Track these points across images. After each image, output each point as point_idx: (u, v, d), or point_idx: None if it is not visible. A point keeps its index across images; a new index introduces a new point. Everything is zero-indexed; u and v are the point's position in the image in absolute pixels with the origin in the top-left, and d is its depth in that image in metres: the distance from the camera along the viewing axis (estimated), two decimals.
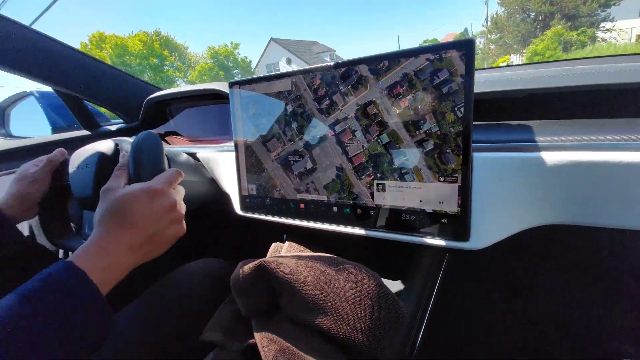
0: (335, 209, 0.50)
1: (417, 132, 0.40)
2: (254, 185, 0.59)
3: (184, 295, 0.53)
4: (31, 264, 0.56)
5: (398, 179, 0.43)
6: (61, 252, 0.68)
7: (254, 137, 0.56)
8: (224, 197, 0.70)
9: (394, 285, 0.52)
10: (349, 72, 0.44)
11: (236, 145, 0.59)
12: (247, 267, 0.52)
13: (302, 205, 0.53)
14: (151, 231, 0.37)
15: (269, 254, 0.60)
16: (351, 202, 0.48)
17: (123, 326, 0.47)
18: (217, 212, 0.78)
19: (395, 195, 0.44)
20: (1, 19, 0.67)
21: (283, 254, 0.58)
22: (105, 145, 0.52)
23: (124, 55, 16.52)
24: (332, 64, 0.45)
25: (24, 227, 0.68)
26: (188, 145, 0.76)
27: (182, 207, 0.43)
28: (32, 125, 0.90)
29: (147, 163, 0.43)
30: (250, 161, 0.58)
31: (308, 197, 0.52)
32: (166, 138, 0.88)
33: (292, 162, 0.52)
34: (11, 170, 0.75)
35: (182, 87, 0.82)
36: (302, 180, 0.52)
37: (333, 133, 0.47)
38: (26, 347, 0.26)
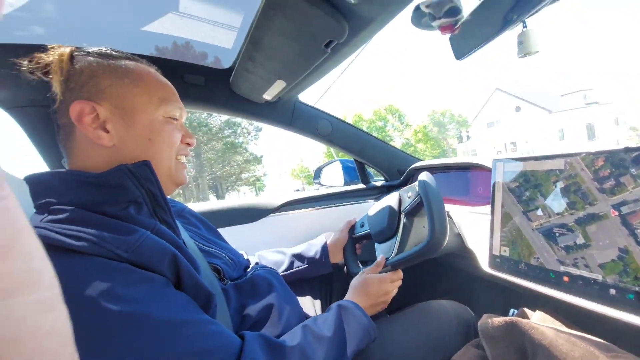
0: (613, 291, 0.48)
1: None
2: (507, 248, 0.66)
3: (435, 324, 0.66)
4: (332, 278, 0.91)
5: None
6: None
7: (514, 205, 0.65)
8: (467, 252, 0.81)
9: None
10: None
11: (493, 210, 0.69)
12: (497, 320, 0.58)
13: (565, 278, 0.54)
14: (372, 302, 0.62)
15: (516, 316, 0.63)
16: (637, 289, 0.45)
17: (383, 335, 0.63)
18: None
19: None
20: (333, 117, 1.18)
21: (534, 321, 0.59)
22: (393, 198, 0.79)
23: (359, 122, 21.35)
24: (621, 148, 0.48)
25: None
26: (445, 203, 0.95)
27: (392, 295, 0.66)
28: (334, 180, 1.44)
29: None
30: (507, 226, 0.66)
31: (576, 271, 0.53)
32: None
33: (557, 234, 0.56)
34: (328, 206, 1.24)
35: (448, 159, 1.05)
36: (569, 254, 0.54)
37: (617, 213, 0.48)
38: (340, 341, 0.49)
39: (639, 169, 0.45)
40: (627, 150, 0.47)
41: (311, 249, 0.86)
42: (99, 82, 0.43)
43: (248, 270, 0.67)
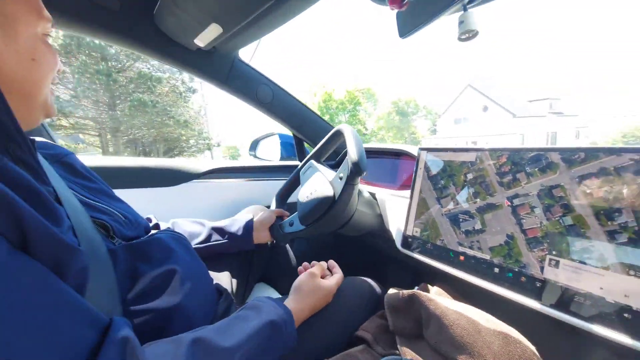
0: (496, 270, 0.55)
1: (609, 223, 0.42)
2: (418, 229, 0.71)
3: (345, 299, 0.68)
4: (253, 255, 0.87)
5: (577, 260, 0.45)
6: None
7: (430, 191, 0.69)
8: (385, 232, 0.85)
9: None
10: (538, 157, 0.51)
11: (412, 194, 0.74)
12: (401, 292, 0.63)
13: (461, 258, 0.61)
14: (311, 301, 0.58)
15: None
16: (516, 269, 0.52)
17: None
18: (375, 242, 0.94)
19: (569, 275, 0.45)
20: (275, 85, 1.11)
21: (431, 294, 0.66)
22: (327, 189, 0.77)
23: (329, 101, 19.82)
24: (521, 147, 0.54)
25: None
26: (371, 185, 0.98)
27: (331, 287, 0.62)
28: (270, 153, 1.38)
29: None
30: (421, 210, 0.71)
31: (470, 252, 0.59)
32: None
33: (461, 219, 0.62)
34: (259, 178, 1.19)
35: (377, 144, 1.07)
36: (468, 237, 0.60)
37: (510, 204, 0.54)
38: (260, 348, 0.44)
39: (532, 168, 0.52)
40: (527, 149, 0.53)
41: (234, 224, 0.79)
42: None
43: (150, 233, 0.58)
